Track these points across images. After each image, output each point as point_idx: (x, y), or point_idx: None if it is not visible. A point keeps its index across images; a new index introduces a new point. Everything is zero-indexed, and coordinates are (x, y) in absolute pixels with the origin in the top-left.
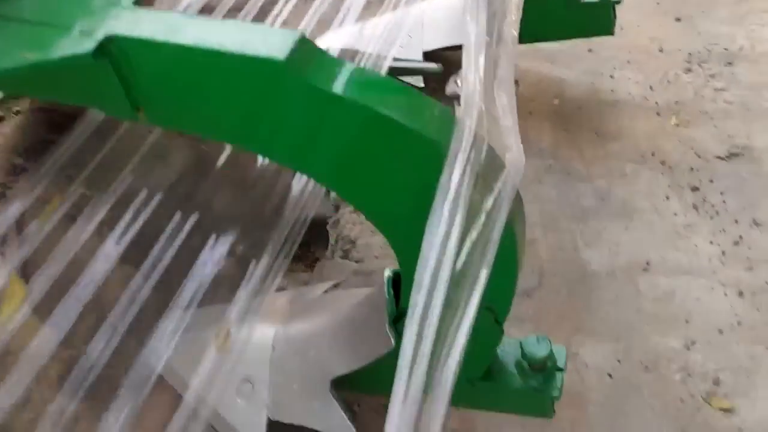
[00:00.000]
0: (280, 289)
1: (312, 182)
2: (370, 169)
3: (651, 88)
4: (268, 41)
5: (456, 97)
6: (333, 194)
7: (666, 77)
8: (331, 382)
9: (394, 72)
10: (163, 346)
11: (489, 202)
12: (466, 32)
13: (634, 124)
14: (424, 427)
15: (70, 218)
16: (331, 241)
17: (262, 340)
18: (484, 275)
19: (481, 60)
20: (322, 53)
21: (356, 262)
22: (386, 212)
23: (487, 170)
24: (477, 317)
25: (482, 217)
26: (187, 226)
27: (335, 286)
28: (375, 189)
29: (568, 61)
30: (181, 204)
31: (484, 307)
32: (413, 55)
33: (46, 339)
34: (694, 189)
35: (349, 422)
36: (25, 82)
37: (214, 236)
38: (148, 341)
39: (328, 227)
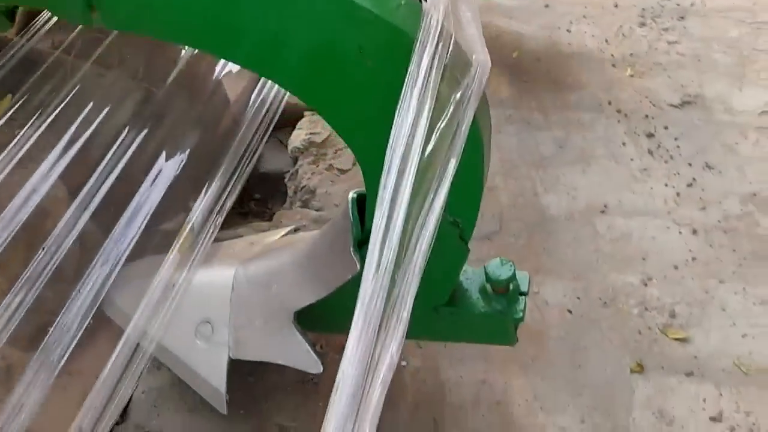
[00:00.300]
0: (238, 237)
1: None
2: (337, 66)
3: (606, 41)
4: None
5: None
6: (290, 147)
7: (621, 31)
8: (294, 314)
9: None
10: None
11: (457, 95)
12: None
13: (590, 76)
14: (383, 347)
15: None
16: (290, 193)
17: (221, 280)
18: (452, 165)
19: None
20: None
21: (316, 210)
22: (352, 115)
23: (455, 64)
24: (442, 232)
25: (450, 109)
26: (137, 141)
27: (295, 230)
28: (341, 89)
29: (525, 16)
30: (131, 120)
31: (449, 221)
32: None
33: None
34: (650, 135)
35: (314, 354)
36: None
37: (164, 152)
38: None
39: (286, 181)
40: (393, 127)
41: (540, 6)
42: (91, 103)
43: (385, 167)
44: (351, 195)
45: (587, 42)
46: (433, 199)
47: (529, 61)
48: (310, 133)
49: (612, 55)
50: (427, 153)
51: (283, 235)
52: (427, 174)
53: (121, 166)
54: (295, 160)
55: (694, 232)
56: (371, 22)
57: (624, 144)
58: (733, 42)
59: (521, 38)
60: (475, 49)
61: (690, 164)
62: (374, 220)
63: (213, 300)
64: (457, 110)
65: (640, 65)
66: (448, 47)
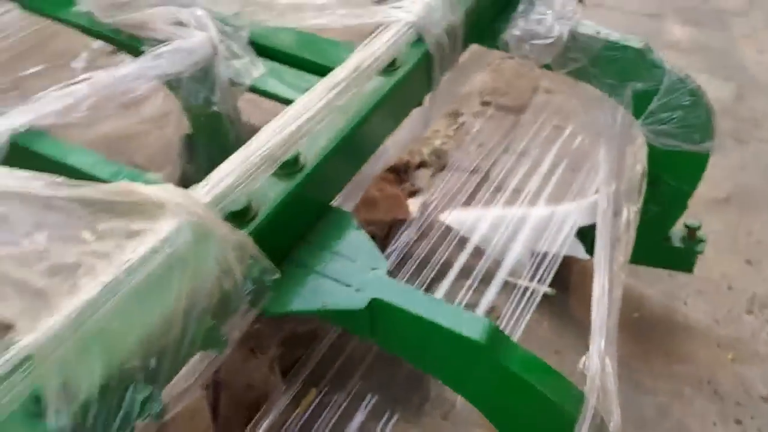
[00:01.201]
0: None
1: None
2: (516, 418)
3: (716, 321)
4: (470, 324)
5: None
6: None
7: (730, 314)
8: None
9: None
10: None
11: None
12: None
13: (697, 352)
14: None
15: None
16: None
17: None
18: None
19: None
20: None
21: None
22: None
23: None
24: None
25: None
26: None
27: None
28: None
29: (650, 279)
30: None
31: None
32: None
33: None
34: (738, 422)
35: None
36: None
37: None
38: None
39: None
40: None
41: (664, 273)
42: None
43: None
44: None
45: (700, 318)
46: None
47: (647, 325)
48: None
49: (719, 336)
50: None
51: None
52: None
53: None
54: None
55: None
56: (558, 412)
57: (715, 424)
58: None
59: (643, 299)
60: (613, 411)
61: None
62: None
63: None
64: None
65: (741, 351)
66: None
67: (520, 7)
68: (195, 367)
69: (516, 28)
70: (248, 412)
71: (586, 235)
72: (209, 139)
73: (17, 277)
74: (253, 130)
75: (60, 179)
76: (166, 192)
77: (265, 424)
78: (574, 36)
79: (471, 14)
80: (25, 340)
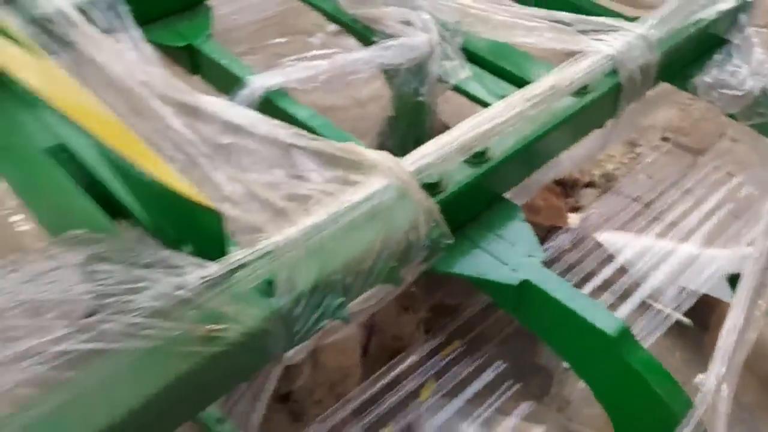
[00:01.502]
0: None
1: None
2: (626, 408)
3: None
4: (605, 319)
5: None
6: None
7: None
8: None
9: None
10: None
11: None
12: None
13: None
14: None
15: None
16: None
17: None
18: None
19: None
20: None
21: None
22: None
23: None
24: None
25: None
26: None
27: None
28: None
29: None
30: None
31: None
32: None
33: None
34: None
35: None
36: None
37: None
38: None
39: None
40: None
41: None
42: None
43: None
44: None
45: None
46: None
47: None
48: None
49: None
50: None
51: None
52: None
53: None
54: None
55: None
56: (667, 410)
57: None
58: None
59: None
60: None
61: None
62: None
63: None
64: None
65: None
66: None
67: (717, 57)
68: (373, 294)
69: (708, 75)
70: (391, 358)
71: (734, 280)
72: (408, 123)
73: (264, 197)
74: (441, 123)
75: (301, 131)
76: (380, 156)
77: (405, 363)
78: (765, 92)
79: (667, 56)
80: (270, 240)
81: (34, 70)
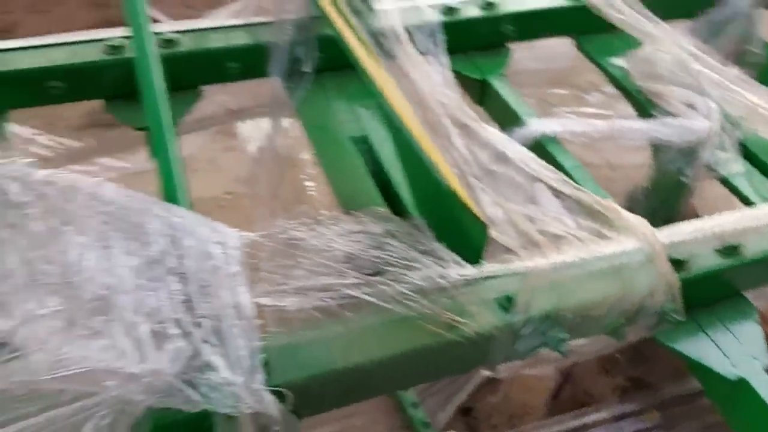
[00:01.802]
0: None
1: None
2: None
3: None
4: None
5: None
6: None
7: None
8: None
9: None
10: None
11: None
12: None
13: None
14: None
15: None
16: None
17: None
18: None
19: None
20: None
21: None
22: None
23: None
24: None
25: None
26: None
27: None
28: None
29: None
30: None
31: None
32: None
33: None
34: None
35: None
36: None
37: None
38: None
39: None
40: None
41: None
42: None
43: None
44: None
45: None
46: None
47: None
48: None
49: None
50: None
51: None
52: None
53: None
54: None
55: None
56: None
57: None
58: None
59: None
60: None
61: None
62: None
63: None
64: None
65: None
66: None
67: None
68: (592, 342)
69: None
70: (574, 409)
71: None
72: (663, 199)
73: (521, 227)
74: (692, 208)
75: (566, 178)
76: (637, 221)
77: (593, 416)
78: None
79: None
80: (522, 263)
81: (376, 71)
